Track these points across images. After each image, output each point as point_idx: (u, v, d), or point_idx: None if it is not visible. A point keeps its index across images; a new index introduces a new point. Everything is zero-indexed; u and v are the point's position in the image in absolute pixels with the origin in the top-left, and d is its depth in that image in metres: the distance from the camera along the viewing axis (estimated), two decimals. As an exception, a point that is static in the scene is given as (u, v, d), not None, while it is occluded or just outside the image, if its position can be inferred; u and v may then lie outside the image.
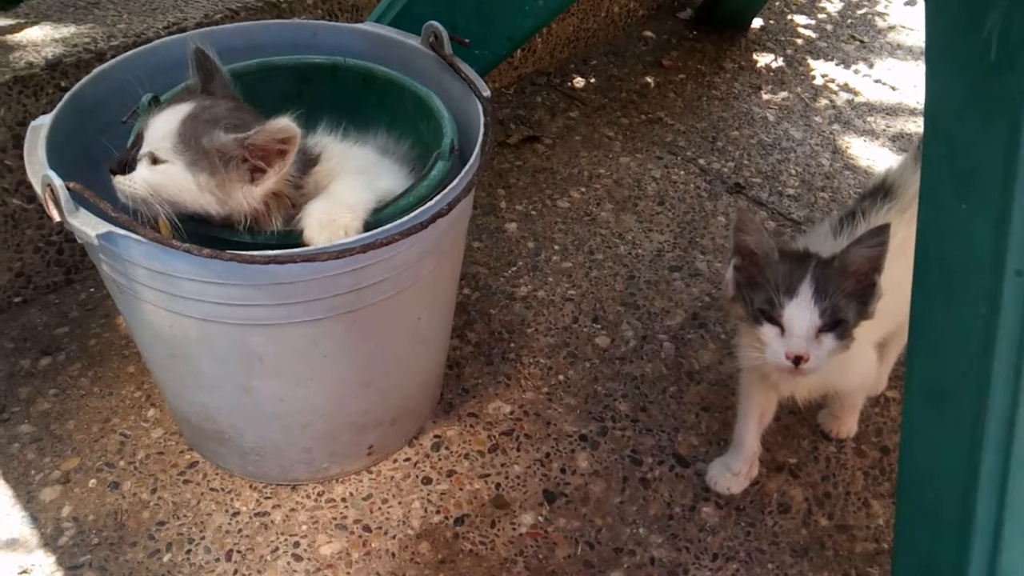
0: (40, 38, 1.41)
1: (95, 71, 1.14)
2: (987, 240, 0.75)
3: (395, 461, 1.26)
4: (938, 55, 0.77)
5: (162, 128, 0.96)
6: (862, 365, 1.17)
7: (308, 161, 1.02)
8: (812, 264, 1.04)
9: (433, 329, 1.18)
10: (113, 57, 1.39)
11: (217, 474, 1.23)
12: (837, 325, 1.02)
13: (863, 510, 1.24)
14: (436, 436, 1.30)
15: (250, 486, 1.22)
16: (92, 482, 1.21)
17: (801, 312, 1.01)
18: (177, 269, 0.91)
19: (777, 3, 2.61)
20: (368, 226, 0.95)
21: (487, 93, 1.15)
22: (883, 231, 1.01)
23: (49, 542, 1.14)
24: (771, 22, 2.52)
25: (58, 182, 0.89)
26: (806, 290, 1.01)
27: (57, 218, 0.89)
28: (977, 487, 0.76)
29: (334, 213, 0.95)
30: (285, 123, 0.94)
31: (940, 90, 0.78)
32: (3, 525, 1.15)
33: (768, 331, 1.04)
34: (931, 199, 0.81)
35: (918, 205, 0.82)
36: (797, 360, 1.01)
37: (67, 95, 1.09)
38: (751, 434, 1.22)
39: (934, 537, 0.84)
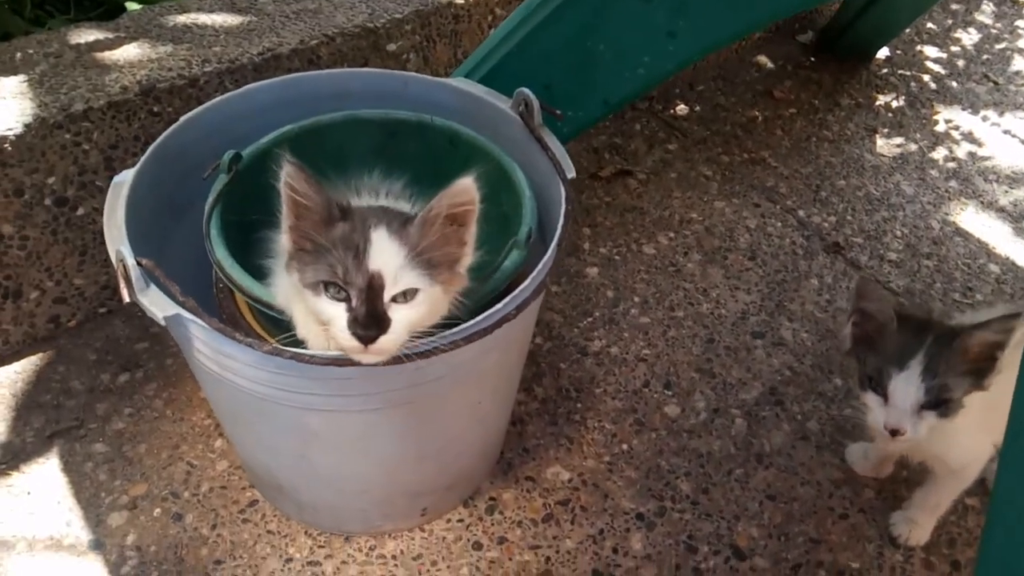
0: (136, 58, 1.42)
1: (182, 119, 1.13)
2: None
3: (448, 521, 1.26)
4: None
5: (395, 260, 0.83)
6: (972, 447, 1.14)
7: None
8: (929, 339, 1.03)
9: (497, 409, 1.17)
10: (206, 83, 1.41)
11: (275, 516, 1.25)
12: (941, 404, 1.03)
13: (925, 633, 1.18)
14: (491, 498, 1.29)
15: (305, 532, 1.24)
16: (157, 511, 1.25)
17: (907, 387, 1.03)
18: (239, 357, 0.91)
19: (908, 31, 2.45)
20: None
21: (572, 174, 1.11)
22: (1010, 320, 1.00)
23: (113, 570, 1.18)
24: (898, 52, 2.37)
25: (130, 261, 0.89)
26: (916, 366, 1.02)
27: (127, 298, 0.90)
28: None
29: None
30: (465, 182, 0.84)
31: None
32: (73, 546, 1.20)
33: (872, 398, 1.07)
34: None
35: None
36: (894, 432, 1.03)
37: (151, 148, 1.09)
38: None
39: None
